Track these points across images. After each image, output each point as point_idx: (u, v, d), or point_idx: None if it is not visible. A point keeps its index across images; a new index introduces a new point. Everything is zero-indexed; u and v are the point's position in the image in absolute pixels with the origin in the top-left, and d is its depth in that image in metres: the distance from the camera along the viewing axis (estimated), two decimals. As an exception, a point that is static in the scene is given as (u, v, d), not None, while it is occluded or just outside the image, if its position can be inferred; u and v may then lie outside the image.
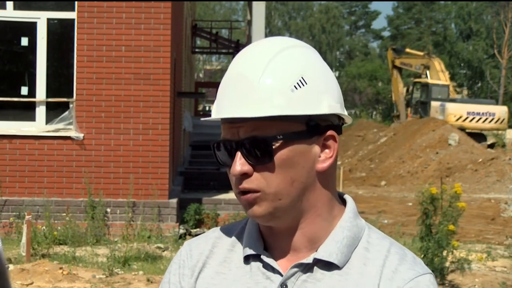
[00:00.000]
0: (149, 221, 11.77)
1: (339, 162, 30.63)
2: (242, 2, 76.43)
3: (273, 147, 1.48)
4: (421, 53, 39.39)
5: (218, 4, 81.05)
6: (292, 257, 1.55)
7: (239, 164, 1.48)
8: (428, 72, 37.23)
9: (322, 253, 1.52)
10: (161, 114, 11.86)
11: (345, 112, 1.59)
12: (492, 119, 33.72)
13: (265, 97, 1.47)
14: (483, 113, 33.55)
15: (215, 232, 1.67)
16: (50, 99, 11.98)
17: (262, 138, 1.48)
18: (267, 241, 1.58)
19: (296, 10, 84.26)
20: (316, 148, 1.52)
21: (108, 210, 11.81)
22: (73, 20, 11.94)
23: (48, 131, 11.90)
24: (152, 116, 11.82)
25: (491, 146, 33.65)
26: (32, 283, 8.45)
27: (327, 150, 1.53)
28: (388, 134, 33.35)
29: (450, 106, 33.49)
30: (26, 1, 12.03)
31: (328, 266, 1.53)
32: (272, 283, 1.53)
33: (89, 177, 11.74)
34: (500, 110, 34.71)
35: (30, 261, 9.47)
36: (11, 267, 8.98)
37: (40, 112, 12.02)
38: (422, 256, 8.93)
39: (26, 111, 12.06)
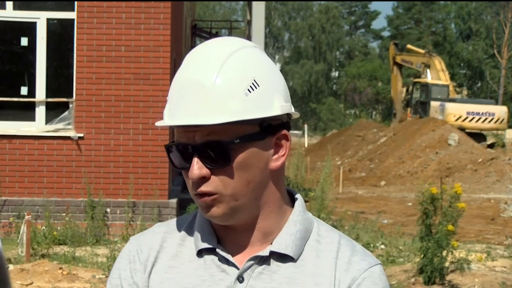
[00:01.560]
0: (149, 221, 11.77)
1: (339, 162, 30.65)
2: (241, 2, 76.48)
3: (231, 150, 1.51)
4: (422, 51, 39.30)
5: (217, 4, 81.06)
6: (246, 250, 1.58)
7: (197, 168, 1.51)
8: (428, 71, 37.20)
9: (278, 246, 1.56)
10: (161, 114, 11.79)
11: (293, 109, 1.62)
12: (492, 119, 33.72)
13: (221, 102, 1.49)
14: (482, 113, 33.54)
15: (161, 227, 1.68)
16: (49, 99, 11.98)
17: (220, 143, 1.50)
18: (219, 235, 1.60)
19: (296, 10, 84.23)
20: (269, 148, 1.56)
21: (108, 210, 11.81)
22: (72, 20, 11.94)
23: (48, 131, 11.90)
24: (152, 116, 11.82)
25: (491, 146, 33.65)
26: (31, 283, 8.45)
27: (279, 149, 1.57)
28: (388, 134, 33.34)
29: (449, 106, 33.49)
30: (26, 1, 12.03)
31: (282, 258, 1.57)
32: (228, 275, 1.57)
33: (89, 177, 11.74)
34: (500, 110, 34.70)
35: (29, 261, 9.47)
36: (11, 267, 8.98)
37: (40, 112, 12.02)
38: (422, 256, 8.94)
39: (25, 111, 12.06)
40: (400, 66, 39.82)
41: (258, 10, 16.04)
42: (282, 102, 1.56)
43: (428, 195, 8.77)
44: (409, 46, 41.30)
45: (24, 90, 12.05)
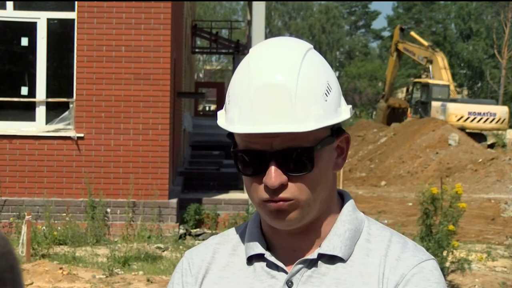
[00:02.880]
0: (149, 221, 11.77)
1: (339, 162, 30.66)
2: (242, 2, 76.45)
3: (315, 157, 1.49)
4: (426, 43, 39.04)
5: (218, 4, 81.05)
6: (296, 254, 1.56)
7: (277, 175, 1.46)
8: (430, 67, 37.17)
9: (326, 248, 1.54)
10: (161, 114, 11.85)
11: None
12: (493, 119, 33.71)
13: (304, 107, 1.46)
14: (484, 113, 33.54)
15: (215, 239, 1.67)
16: (50, 99, 11.98)
17: (305, 149, 1.47)
18: (269, 240, 1.59)
19: (296, 10, 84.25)
20: (334, 151, 1.56)
21: (108, 210, 11.81)
22: (73, 20, 11.94)
23: (48, 131, 11.89)
24: (152, 116, 11.82)
25: (491, 146, 33.64)
26: (32, 283, 8.45)
27: (341, 152, 1.57)
28: (388, 134, 33.33)
29: (451, 106, 33.47)
30: (26, 1, 12.03)
31: (332, 259, 1.54)
32: (278, 281, 1.55)
33: (89, 177, 11.74)
34: (501, 110, 34.69)
35: (30, 261, 9.47)
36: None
37: (40, 112, 12.01)
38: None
39: (26, 111, 12.06)
40: (400, 54, 39.74)
41: (259, 10, 16.03)
42: (345, 104, 1.56)
43: (429, 195, 8.77)
44: (412, 33, 41.01)
45: (24, 90, 12.05)
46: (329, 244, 1.54)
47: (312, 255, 1.54)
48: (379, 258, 1.54)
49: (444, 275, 8.96)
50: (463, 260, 9.00)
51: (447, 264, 8.95)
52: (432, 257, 1.56)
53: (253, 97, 1.46)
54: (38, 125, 11.98)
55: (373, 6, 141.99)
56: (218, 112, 1.60)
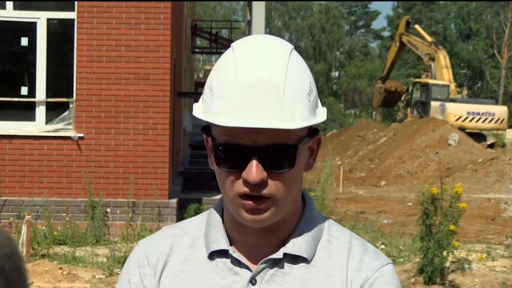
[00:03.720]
0: (149, 221, 11.77)
1: (339, 162, 30.65)
2: (242, 2, 76.46)
3: (296, 154, 1.50)
4: (429, 39, 39.00)
5: (218, 4, 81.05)
6: (260, 251, 1.56)
7: (258, 170, 1.46)
8: (432, 65, 37.24)
9: (291, 248, 1.55)
10: (161, 114, 11.85)
11: None
12: (492, 119, 33.73)
13: (291, 105, 1.47)
14: (483, 113, 33.57)
15: (170, 230, 1.65)
16: (50, 99, 11.98)
17: (288, 146, 1.48)
18: (232, 236, 1.58)
19: (296, 10, 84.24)
20: (307, 151, 1.57)
21: (108, 210, 11.80)
22: (73, 20, 11.94)
23: (48, 131, 11.89)
24: (152, 116, 11.82)
25: (491, 146, 33.65)
26: (32, 283, 8.45)
27: (313, 152, 1.59)
28: (388, 134, 33.35)
29: (450, 106, 33.52)
30: (26, 1, 12.02)
31: (295, 259, 1.56)
32: (241, 278, 1.55)
33: (89, 177, 11.74)
34: (500, 110, 34.70)
35: (30, 261, 9.46)
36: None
37: (40, 112, 12.01)
38: (422, 256, 8.94)
39: (26, 111, 12.05)
40: (403, 46, 39.88)
41: (258, 10, 16.04)
42: (321, 106, 1.58)
43: (429, 195, 8.77)
44: (417, 26, 40.99)
45: (24, 90, 12.04)
46: (294, 244, 1.55)
47: (277, 254, 1.54)
48: (342, 260, 1.57)
49: (444, 275, 8.98)
50: (463, 260, 9.01)
51: (447, 264, 8.95)
52: (390, 260, 1.60)
53: (241, 92, 1.46)
54: (38, 125, 11.98)
55: (373, 6, 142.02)
56: (194, 105, 1.60)
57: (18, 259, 1.03)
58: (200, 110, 1.56)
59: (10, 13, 11.96)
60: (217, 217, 1.61)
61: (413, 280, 9.13)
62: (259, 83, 1.46)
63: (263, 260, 1.54)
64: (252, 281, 1.54)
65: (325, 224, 1.62)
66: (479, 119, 33.44)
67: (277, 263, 1.55)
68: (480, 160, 25.84)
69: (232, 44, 1.56)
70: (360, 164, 30.38)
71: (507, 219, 17.02)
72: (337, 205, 15.93)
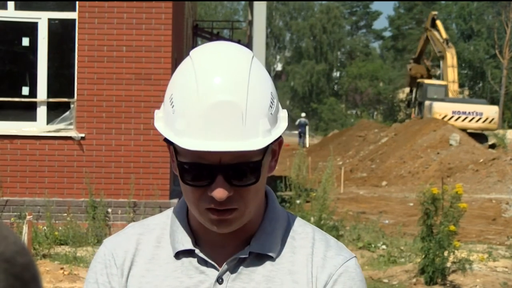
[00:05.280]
0: (150, 221, 11.76)
1: (340, 162, 30.64)
2: (243, 2, 76.44)
3: (261, 168, 1.51)
4: (444, 35, 39.00)
5: (219, 4, 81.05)
6: (225, 250, 1.58)
7: (225, 188, 1.47)
8: (441, 63, 37.44)
9: (256, 246, 1.57)
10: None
11: None
12: (480, 118, 33.67)
13: (253, 123, 1.47)
14: (469, 112, 33.54)
15: (135, 228, 1.66)
16: (51, 99, 11.99)
17: (253, 163, 1.49)
18: (197, 235, 1.60)
19: (297, 10, 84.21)
20: (270, 155, 1.56)
21: (109, 210, 11.81)
22: (74, 20, 11.95)
23: (49, 131, 11.90)
24: (153, 116, 11.76)
25: (492, 146, 33.62)
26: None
27: (275, 154, 1.58)
28: (389, 134, 33.32)
29: (436, 105, 33.71)
30: (27, 1, 12.03)
31: (260, 257, 1.58)
32: (207, 277, 1.57)
33: (90, 177, 11.74)
34: (488, 110, 34.56)
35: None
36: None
37: (41, 112, 12.02)
38: (424, 256, 8.94)
39: (27, 111, 12.06)
40: (427, 39, 40.28)
41: (259, 10, 16.04)
42: (281, 109, 1.58)
43: (429, 195, 8.78)
44: (438, 22, 41.05)
45: (25, 90, 12.05)
46: (259, 242, 1.57)
47: (243, 253, 1.56)
48: (306, 257, 1.59)
49: (445, 275, 8.98)
50: (464, 260, 9.00)
51: (448, 264, 8.95)
52: (353, 254, 1.62)
53: (204, 114, 1.46)
54: (39, 125, 11.98)
55: (374, 6, 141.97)
56: (156, 113, 1.62)
57: (33, 268, 1.03)
58: (162, 122, 1.58)
59: (11, 13, 11.96)
60: (182, 216, 1.61)
61: (414, 280, 9.13)
62: (221, 104, 1.45)
63: (229, 259, 1.56)
64: (219, 280, 1.56)
65: (288, 220, 1.63)
66: (465, 118, 33.41)
67: (242, 262, 1.57)
68: (481, 160, 25.83)
69: (191, 54, 1.55)
70: (361, 164, 30.36)
71: (508, 220, 17.01)
72: (338, 205, 15.92)
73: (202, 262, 1.57)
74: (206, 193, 1.49)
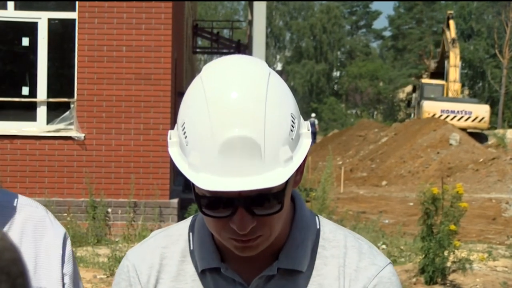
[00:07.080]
0: (150, 221, 11.77)
1: (340, 162, 30.65)
2: (243, 2, 76.44)
3: (284, 196, 1.41)
4: (453, 35, 39.01)
5: (219, 4, 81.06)
6: (252, 265, 1.51)
7: (247, 221, 1.39)
8: (446, 62, 37.47)
9: (285, 261, 1.50)
10: (162, 114, 11.86)
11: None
12: (469, 117, 33.70)
13: (274, 156, 1.36)
14: (458, 111, 33.59)
15: (158, 240, 1.59)
16: (51, 99, 11.99)
17: (275, 194, 1.39)
18: (222, 250, 1.52)
19: (297, 10, 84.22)
20: (294, 174, 1.46)
21: (109, 210, 11.81)
22: (74, 20, 11.94)
23: (49, 131, 11.90)
24: (153, 116, 11.82)
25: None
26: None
27: (299, 168, 1.46)
28: (389, 134, 33.33)
29: (425, 104, 33.90)
30: (27, 1, 12.03)
31: (289, 272, 1.51)
32: None
33: (90, 177, 11.74)
34: (478, 109, 34.57)
35: (31, 261, 9.46)
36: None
37: (41, 112, 12.02)
38: (424, 256, 8.93)
39: (27, 111, 12.06)
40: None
41: (259, 10, 16.04)
42: (304, 122, 1.47)
43: (430, 195, 8.77)
44: (450, 21, 41.14)
45: (25, 90, 12.05)
46: (288, 257, 1.50)
47: (271, 270, 1.50)
48: (338, 268, 1.52)
49: (446, 275, 8.98)
50: (464, 260, 9.00)
51: (448, 264, 8.95)
52: (389, 260, 1.56)
53: (219, 149, 1.35)
54: (39, 125, 11.98)
55: (374, 6, 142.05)
56: (169, 135, 1.49)
57: (22, 264, 1.04)
58: (176, 148, 1.47)
59: (11, 13, 11.96)
60: (206, 231, 1.53)
61: (414, 280, 9.12)
62: (237, 140, 1.34)
63: (257, 277, 1.50)
64: None
65: (317, 227, 1.56)
66: (454, 117, 33.45)
67: (271, 279, 1.50)
68: (481, 160, 25.84)
69: (202, 74, 1.42)
70: (361, 164, 30.37)
71: (508, 219, 17.02)
72: (338, 205, 15.93)
73: (229, 280, 1.51)
74: (228, 224, 1.40)
